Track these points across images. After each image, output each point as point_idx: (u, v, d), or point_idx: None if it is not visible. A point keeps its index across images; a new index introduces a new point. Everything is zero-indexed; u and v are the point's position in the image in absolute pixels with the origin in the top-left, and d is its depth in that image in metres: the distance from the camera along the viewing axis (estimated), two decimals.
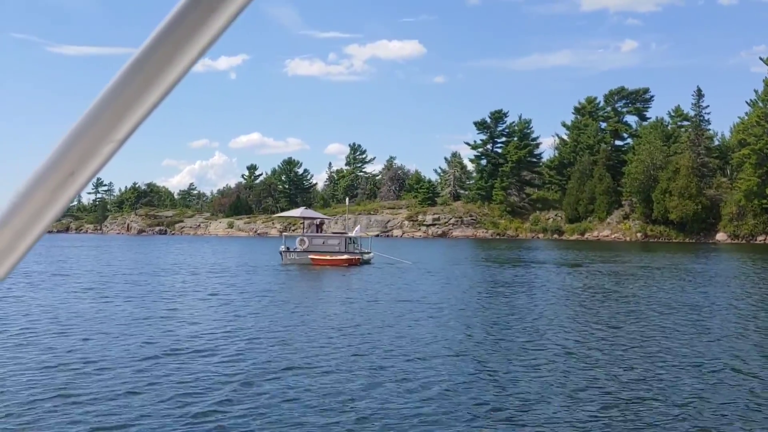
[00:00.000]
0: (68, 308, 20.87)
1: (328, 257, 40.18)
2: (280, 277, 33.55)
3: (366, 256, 43.25)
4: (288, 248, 42.23)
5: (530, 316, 19.97)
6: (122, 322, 18.17)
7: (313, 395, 10.58)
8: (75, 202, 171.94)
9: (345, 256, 40.40)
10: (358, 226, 49.81)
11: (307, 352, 14.06)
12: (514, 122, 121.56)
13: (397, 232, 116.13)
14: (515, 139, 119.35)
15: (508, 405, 10.22)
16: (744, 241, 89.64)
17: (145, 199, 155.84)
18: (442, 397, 10.52)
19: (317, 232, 44.58)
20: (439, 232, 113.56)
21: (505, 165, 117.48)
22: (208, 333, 16.50)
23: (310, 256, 40.64)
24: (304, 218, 48.46)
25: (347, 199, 60.99)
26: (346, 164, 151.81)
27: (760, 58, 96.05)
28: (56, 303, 22.04)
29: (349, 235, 43.66)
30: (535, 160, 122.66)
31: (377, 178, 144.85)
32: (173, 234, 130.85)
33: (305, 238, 42.59)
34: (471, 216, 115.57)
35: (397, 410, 9.83)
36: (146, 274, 34.85)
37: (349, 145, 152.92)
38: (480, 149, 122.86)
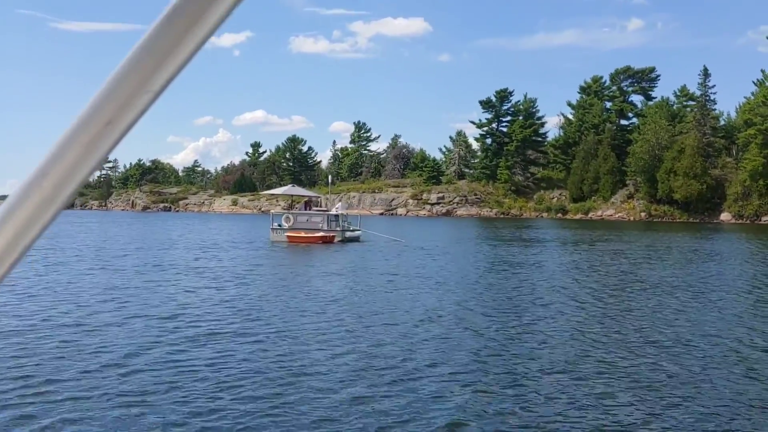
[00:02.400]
0: (44, 279, 20.90)
1: (303, 234, 40.25)
2: (258, 254, 33.47)
3: (350, 234, 43.09)
4: (279, 225, 42.35)
5: (524, 294, 19.76)
6: (92, 292, 18.46)
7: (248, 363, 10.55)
8: None
9: (320, 234, 40.37)
10: (340, 203, 49.60)
11: (254, 324, 14.02)
12: (519, 101, 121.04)
13: (401, 211, 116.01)
14: (520, 118, 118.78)
15: (498, 384, 10.13)
16: (749, 222, 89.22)
17: (150, 175, 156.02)
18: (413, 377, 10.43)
19: (306, 209, 44.56)
20: (443, 211, 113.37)
21: (510, 144, 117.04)
22: (169, 302, 16.67)
23: (286, 234, 40.81)
24: (291, 195, 48.92)
25: (329, 177, 60.87)
26: (350, 142, 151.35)
27: (767, 38, 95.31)
28: (32, 275, 22.07)
29: (332, 212, 43.53)
30: (540, 139, 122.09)
31: (382, 156, 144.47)
32: (177, 211, 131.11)
33: (290, 216, 42.76)
34: (475, 195, 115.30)
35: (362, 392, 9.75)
36: (136, 249, 34.90)
37: (354, 123, 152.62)
38: (485, 128, 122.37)
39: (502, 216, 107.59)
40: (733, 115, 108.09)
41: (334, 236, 40.91)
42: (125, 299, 17.41)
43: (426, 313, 15.88)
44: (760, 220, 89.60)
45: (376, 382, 9.88)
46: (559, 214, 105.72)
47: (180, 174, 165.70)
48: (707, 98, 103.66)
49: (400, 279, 22.72)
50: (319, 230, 40.91)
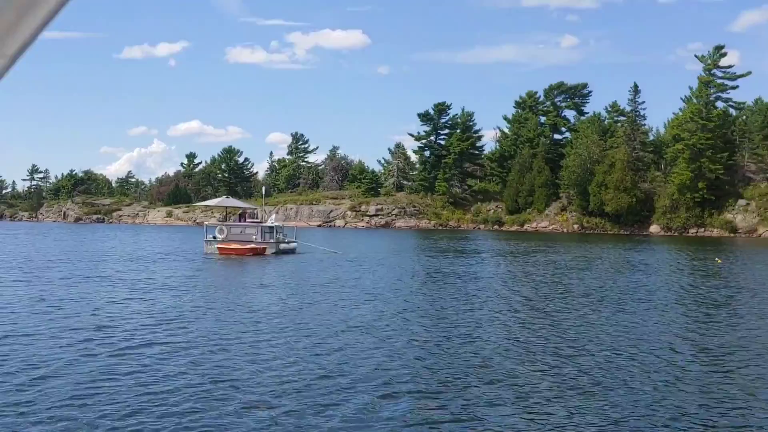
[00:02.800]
0: None
1: (233, 246, 39.85)
2: (189, 266, 32.99)
3: (285, 246, 42.85)
4: (214, 237, 41.78)
5: (454, 304, 19.98)
6: (16, 303, 18.04)
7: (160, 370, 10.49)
8: (9, 189, 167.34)
9: (250, 246, 40.06)
10: (274, 214, 49.44)
11: (175, 334, 13.93)
12: (457, 114, 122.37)
13: (339, 223, 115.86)
14: (458, 131, 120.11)
15: (423, 393, 10.22)
16: (677, 234, 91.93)
17: (83, 186, 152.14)
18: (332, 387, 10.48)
19: (240, 221, 44.10)
20: (382, 223, 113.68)
21: (448, 156, 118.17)
22: (95, 314, 16.40)
23: (216, 246, 40.39)
24: (225, 207, 48.61)
25: (263, 188, 60.35)
26: (287, 153, 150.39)
27: (696, 56, 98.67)
28: None
29: (267, 224, 43.21)
30: (477, 152, 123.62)
31: (320, 167, 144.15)
32: (111, 222, 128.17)
33: (224, 228, 42.31)
34: (414, 207, 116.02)
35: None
36: (64, 261, 34.03)
37: (291, 134, 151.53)
38: (423, 140, 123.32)
39: (440, 227, 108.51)
40: (662, 130, 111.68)
41: (265, 248, 40.50)
42: (50, 311, 17.09)
43: (354, 323, 15.95)
44: (688, 233, 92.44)
45: (302, 392, 9.90)
46: (496, 226, 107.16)
47: (113, 185, 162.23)
48: (637, 114, 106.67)
49: (331, 290, 22.75)
50: (251, 242, 40.53)
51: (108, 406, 8.95)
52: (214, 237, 41.84)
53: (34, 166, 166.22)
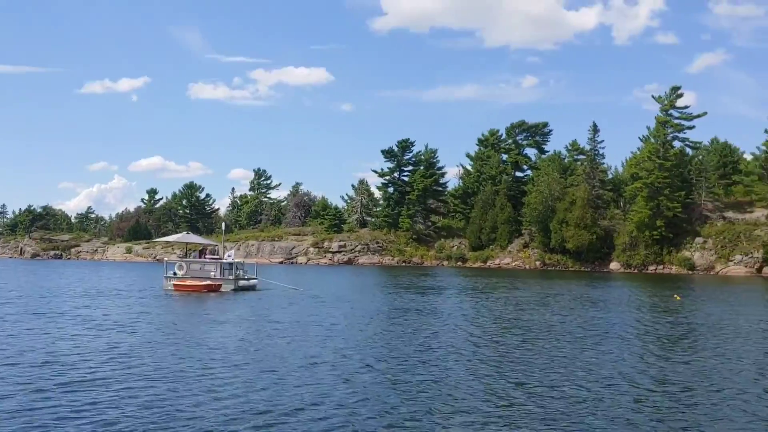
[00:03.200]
0: None
1: (188, 282, 39.56)
2: (147, 303, 32.40)
3: (245, 283, 42.42)
4: (174, 274, 41.22)
5: (409, 341, 19.88)
6: None
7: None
8: None
9: (205, 282, 39.72)
10: (232, 250, 48.80)
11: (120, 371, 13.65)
12: (420, 152, 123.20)
13: (302, 259, 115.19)
14: (421, 168, 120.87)
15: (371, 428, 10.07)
16: (636, 271, 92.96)
17: (41, 222, 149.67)
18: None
19: (201, 257, 43.52)
20: (345, 259, 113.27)
21: (412, 193, 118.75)
22: (46, 350, 16.02)
23: (172, 282, 39.92)
24: (186, 243, 48.06)
25: (224, 224, 59.74)
26: (250, 189, 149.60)
27: (652, 96, 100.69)
28: None
29: (225, 260, 42.81)
30: (440, 189, 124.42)
31: (282, 204, 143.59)
32: (69, 258, 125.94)
33: (183, 264, 41.86)
34: (377, 243, 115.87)
35: None
36: (17, 296, 33.27)
37: (254, 170, 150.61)
38: (387, 177, 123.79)
39: (403, 264, 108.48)
40: (621, 169, 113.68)
41: (220, 285, 40.06)
42: None
43: (305, 360, 15.75)
44: (647, 270, 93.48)
45: (245, 425, 9.70)
46: (459, 262, 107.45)
47: (72, 221, 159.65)
48: (596, 153, 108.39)
49: (285, 327, 22.49)
50: (211, 279, 40.11)
51: None
52: (174, 273, 41.31)
53: None
